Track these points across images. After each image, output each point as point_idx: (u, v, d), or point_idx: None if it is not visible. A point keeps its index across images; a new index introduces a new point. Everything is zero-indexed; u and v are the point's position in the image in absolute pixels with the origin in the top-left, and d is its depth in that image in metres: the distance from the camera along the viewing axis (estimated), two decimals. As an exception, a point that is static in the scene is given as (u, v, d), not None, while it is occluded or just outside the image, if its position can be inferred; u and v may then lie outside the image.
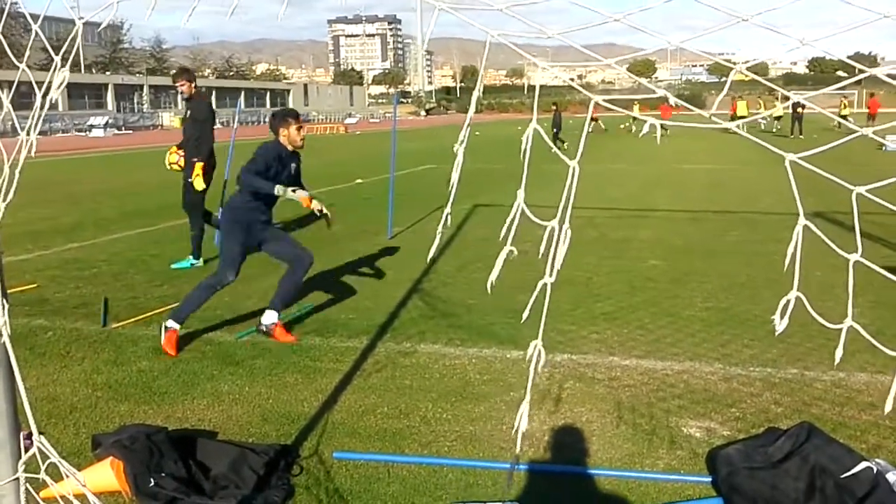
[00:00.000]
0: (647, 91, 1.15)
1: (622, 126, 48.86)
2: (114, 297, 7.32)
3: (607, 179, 17.51)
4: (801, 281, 1.11)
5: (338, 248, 9.80)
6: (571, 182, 1.07)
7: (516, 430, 1.25)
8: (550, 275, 1.13)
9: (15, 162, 1.39)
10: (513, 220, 1.23)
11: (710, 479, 3.62)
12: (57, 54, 1.32)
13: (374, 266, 8.62)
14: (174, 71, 8.98)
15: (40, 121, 1.41)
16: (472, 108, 1.26)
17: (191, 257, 8.69)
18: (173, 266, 8.63)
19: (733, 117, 37.33)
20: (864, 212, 1.15)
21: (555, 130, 30.23)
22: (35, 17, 1.32)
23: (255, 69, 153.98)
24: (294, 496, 3.55)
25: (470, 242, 9.81)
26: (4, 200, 1.41)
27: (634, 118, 39.61)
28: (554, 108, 31.88)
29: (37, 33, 1.33)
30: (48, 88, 1.34)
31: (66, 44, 1.29)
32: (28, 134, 1.45)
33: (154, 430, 3.81)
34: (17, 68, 1.45)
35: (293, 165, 5.99)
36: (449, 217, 1.29)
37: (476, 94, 1.26)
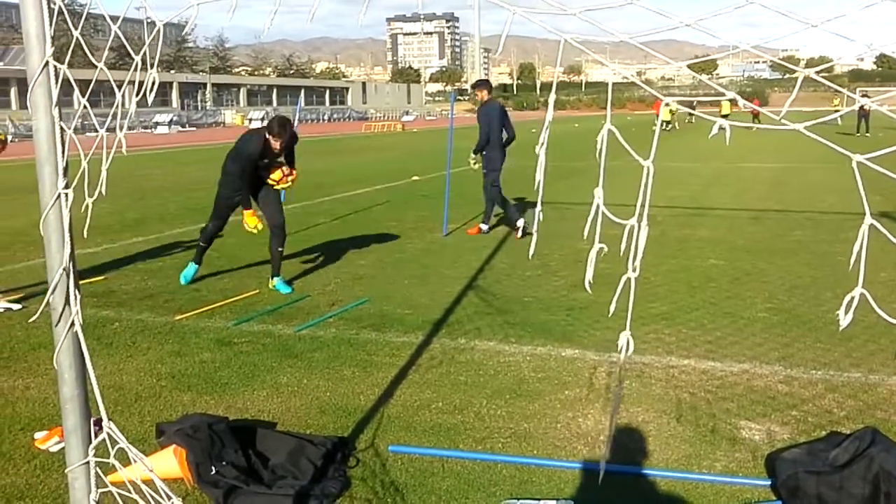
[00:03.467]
0: (707, 88, 1.16)
1: (686, 121, 48.25)
2: (177, 290, 7.51)
3: (668, 177, 17.26)
4: (867, 281, 1.10)
5: (394, 244, 9.88)
6: (647, 181, 1.09)
7: (610, 435, 1.28)
8: (633, 269, 1.16)
9: (98, 157, 1.45)
10: (594, 218, 1.26)
11: (769, 483, 3.56)
12: (137, 55, 1.38)
13: (430, 262, 8.67)
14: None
15: (128, 119, 1.47)
16: (550, 112, 1.30)
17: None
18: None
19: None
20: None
21: None
22: (115, 19, 1.38)
23: (315, 67, 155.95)
24: (350, 488, 3.60)
25: (525, 239, 9.78)
26: (91, 196, 1.48)
27: (691, 113, 39.53)
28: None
29: (117, 35, 1.39)
30: (140, 90, 1.39)
31: (146, 45, 1.34)
32: (117, 131, 1.51)
33: (215, 419, 3.91)
34: (87, 67, 1.51)
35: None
36: (541, 214, 1.34)
37: (553, 96, 1.33)
